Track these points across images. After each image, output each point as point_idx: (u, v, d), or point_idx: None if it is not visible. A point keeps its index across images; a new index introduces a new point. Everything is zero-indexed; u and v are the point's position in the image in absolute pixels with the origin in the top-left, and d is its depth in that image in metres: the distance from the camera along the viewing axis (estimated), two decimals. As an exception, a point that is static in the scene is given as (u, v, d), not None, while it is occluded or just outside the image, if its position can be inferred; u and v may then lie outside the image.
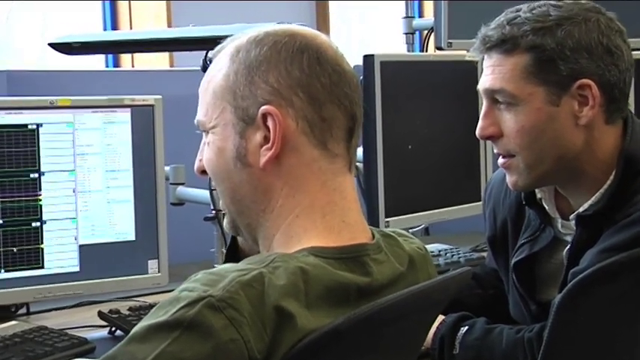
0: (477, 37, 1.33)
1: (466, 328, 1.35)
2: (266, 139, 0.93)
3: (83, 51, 1.61)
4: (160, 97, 1.65)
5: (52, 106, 1.56)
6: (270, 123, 0.93)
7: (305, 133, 0.93)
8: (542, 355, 1.23)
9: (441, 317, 1.37)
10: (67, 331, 1.51)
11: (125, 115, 1.62)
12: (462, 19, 2.06)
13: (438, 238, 2.11)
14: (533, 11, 1.30)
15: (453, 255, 1.92)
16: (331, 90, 0.94)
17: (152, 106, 1.65)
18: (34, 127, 1.54)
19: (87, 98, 1.61)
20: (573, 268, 1.28)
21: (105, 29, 3.60)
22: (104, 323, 1.57)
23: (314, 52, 0.94)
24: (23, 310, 1.64)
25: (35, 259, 1.56)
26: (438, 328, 1.37)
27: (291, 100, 0.93)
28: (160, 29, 2.89)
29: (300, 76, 0.93)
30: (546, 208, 1.38)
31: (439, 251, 1.95)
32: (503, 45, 1.29)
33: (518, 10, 1.32)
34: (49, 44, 1.59)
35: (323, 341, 0.86)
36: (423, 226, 2.06)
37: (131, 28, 3.50)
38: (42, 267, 1.56)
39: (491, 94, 1.32)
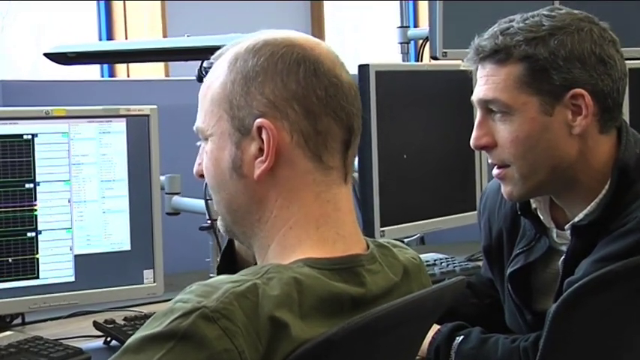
0: (470, 48, 1.34)
1: (462, 337, 1.35)
2: (261, 151, 0.93)
3: (79, 61, 1.60)
4: (155, 106, 1.65)
5: (48, 117, 1.56)
6: (264, 136, 0.93)
7: (300, 146, 0.93)
8: None
9: (436, 327, 1.37)
10: (62, 341, 1.51)
11: (120, 125, 1.62)
12: (456, 28, 2.06)
13: (434, 248, 2.11)
14: (527, 21, 1.31)
15: (448, 264, 1.92)
16: (327, 103, 0.94)
17: (147, 115, 1.65)
18: (30, 137, 1.54)
19: (82, 108, 1.61)
20: (568, 277, 1.28)
21: (100, 32, 3.60)
22: (99, 333, 1.57)
23: (311, 64, 0.94)
24: (18, 321, 1.64)
25: (30, 269, 1.55)
26: (433, 337, 1.37)
27: (286, 113, 0.93)
28: (155, 39, 2.89)
29: (296, 88, 0.93)
30: (541, 218, 1.38)
31: (434, 260, 1.95)
32: (497, 55, 1.30)
33: (511, 21, 1.32)
34: (45, 54, 1.59)
35: (317, 351, 0.86)
36: (418, 235, 2.06)
37: (126, 31, 3.49)
38: (37, 277, 1.56)
39: (485, 104, 1.32)
